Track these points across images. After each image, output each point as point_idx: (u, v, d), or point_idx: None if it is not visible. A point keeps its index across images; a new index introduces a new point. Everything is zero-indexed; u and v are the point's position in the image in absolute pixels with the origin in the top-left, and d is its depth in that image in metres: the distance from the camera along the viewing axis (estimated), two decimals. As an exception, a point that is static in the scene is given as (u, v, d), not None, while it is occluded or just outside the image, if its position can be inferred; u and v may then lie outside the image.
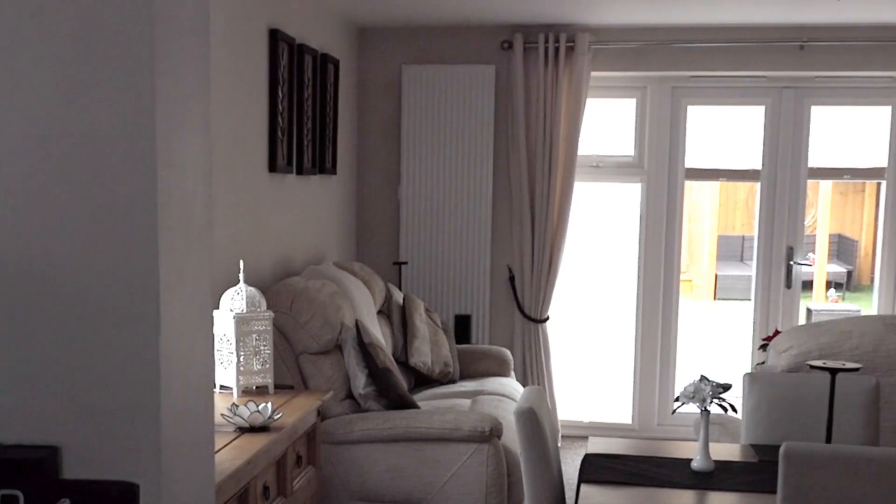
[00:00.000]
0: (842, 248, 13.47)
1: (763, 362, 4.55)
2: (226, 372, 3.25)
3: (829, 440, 3.13)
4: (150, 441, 1.60)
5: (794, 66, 5.53)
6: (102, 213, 1.56)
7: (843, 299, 11.53)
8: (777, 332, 4.82)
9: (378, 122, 5.84)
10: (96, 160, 1.56)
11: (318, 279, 4.23)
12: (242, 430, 2.75)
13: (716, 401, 2.99)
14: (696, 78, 5.77)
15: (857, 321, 4.33)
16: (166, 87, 1.59)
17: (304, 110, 4.67)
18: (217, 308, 3.25)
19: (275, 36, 4.22)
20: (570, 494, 3.56)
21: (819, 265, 10.65)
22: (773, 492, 2.62)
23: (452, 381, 4.87)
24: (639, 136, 5.90)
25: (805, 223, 6.02)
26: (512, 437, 3.73)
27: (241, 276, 3.32)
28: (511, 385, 4.91)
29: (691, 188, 11.62)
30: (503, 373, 5.13)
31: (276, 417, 2.83)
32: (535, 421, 2.95)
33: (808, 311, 8.61)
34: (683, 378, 5.28)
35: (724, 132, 6.34)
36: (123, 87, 1.54)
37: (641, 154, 5.90)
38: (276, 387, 3.36)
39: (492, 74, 5.64)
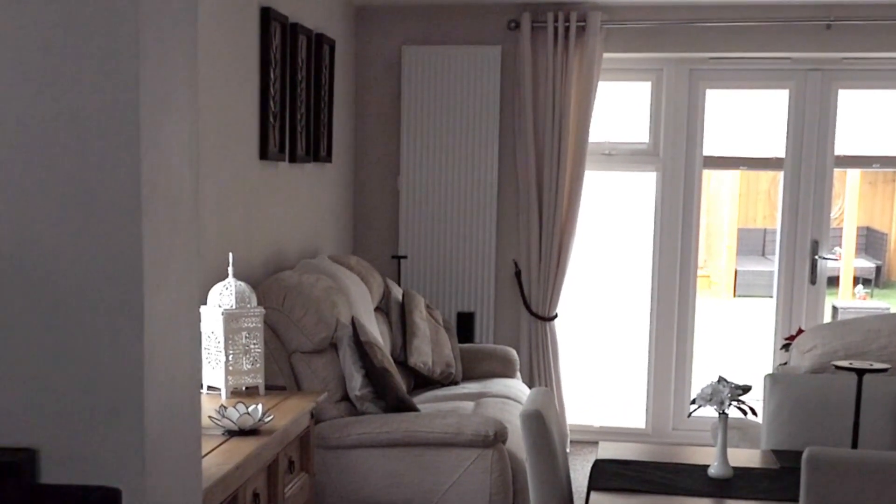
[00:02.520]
0: (870, 241, 13.46)
1: (785, 363, 4.55)
2: (214, 372, 3.26)
3: (855, 445, 3.13)
4: (133, 444, 1.60)
5: (821, 46, 5.52)
6: (82, 200, 1.56)
7: (872, 296, 11.53)
8: (800, 331, 4.82)
9: (376, 107, 5.84)
10: (77, 143, 1.56)
11: (312, 274, 4.24)
12: (231, 434, 2.76)
13: (735, 403, 2.99)
14: (715, 60, 5.76)
15: (886, 319, 4.33)
16: (151, 67, 1.59)
17: (298, 94, 4.67)
18: (204, 304, 3.25)
19: (267, 14, 4.22)
20: (578, 503, 3.57)
21: (846, 260, 10.65)
22: (795, 500, 2.62)
23: (454, 383, 4.87)
24: (654, 121, 5.90)
25: (831, 215, 6.02)
26: (517, 441, 3.74)
27: (230, 269, 3.33)
28: (517, 387, 4.92)
29: (710, 178, 11.61)
30: (508, 374, 5.13)
31: (266, 420, 2.83)
32: (543, 424, 2.95)
33: (834, 308, 8.62)
34: (700, 380, 5.29)
35: (745, 118, 6.34)
36: (106, 67, 1.55)
37: (657, 141, 5.90)
38: (267, 388, 3.37)
39: (498, 56, 5.64)
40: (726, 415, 3.02)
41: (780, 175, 5.94)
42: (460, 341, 5.44)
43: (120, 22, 1.54)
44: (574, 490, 3.34)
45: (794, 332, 5.10)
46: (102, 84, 1.55)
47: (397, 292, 5.08)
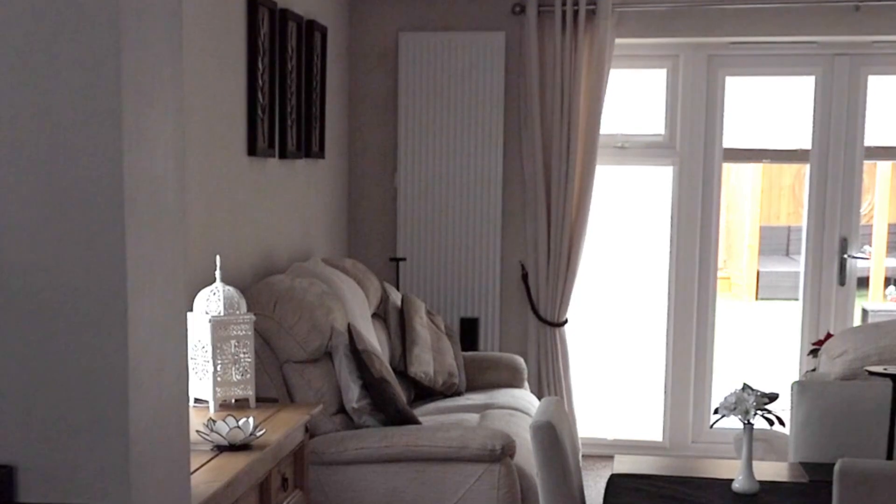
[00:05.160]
0: (903, 239, 13.45)
1: (814, 369, 4.55)
2: (201, 383, 3.26)
3: (890, 456, 3.13)
4: (118, 460, 1.60)
5: (849, 29, 5.52)
6: (62, 202, 1.56)
7: (905, 298, 11.51)
8: (829, 336, 4.83)
9: (372, 99, 5.84)
10: (55, 140, 1.56)
11: (305, 278, 4.24)
12: (220, 449, 2.76)
13: (760, 413, 2.99)
14: (735, 45, 5.76)
15: (921, 322, 4.33)
16: (133, 57, 1.59)
17: (288, 85, 4.67)
18: (191, 310, 3.25)
19: (254, 0, 4.23)
20: (593, 521, 3.57)
21: (877, 259, 10.64)
22: (827, 516, 2.63)
23: (458, 394, 4.87)
24: (670, 112, 5.90)
25: (861, 211, 6.02)
26: (527, 456, 3.74)
27: (217, 273, 3.33)
28: (525, 398, 4.92)
29: (730, 172, 11.62)
30: (516, 384, 5.13)
31: (258, 434, 2.84)
32: (554, 437, 2.96)
33: (865, 311, 8.60)
34: (722, 388, 5.29)
35: (768, 107, 6.34)
36: (85, 58, 1.55)
37: (673, 133, 5.90)
38: (259, 400, 3.37)
39: (501, 43, 5.64)
40: (751, 425, 3.02)
41: (806, 168, 5.94)
42: (464, 349, 5.44)
43: (99, 8, 1.54)
44: (588, 507, 3.35)
45: (822, 337, 5.10)
46: (81, 75, 1.55)
47: (396, 297, 5.08)
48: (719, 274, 6.22)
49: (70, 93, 1.56)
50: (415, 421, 4.00)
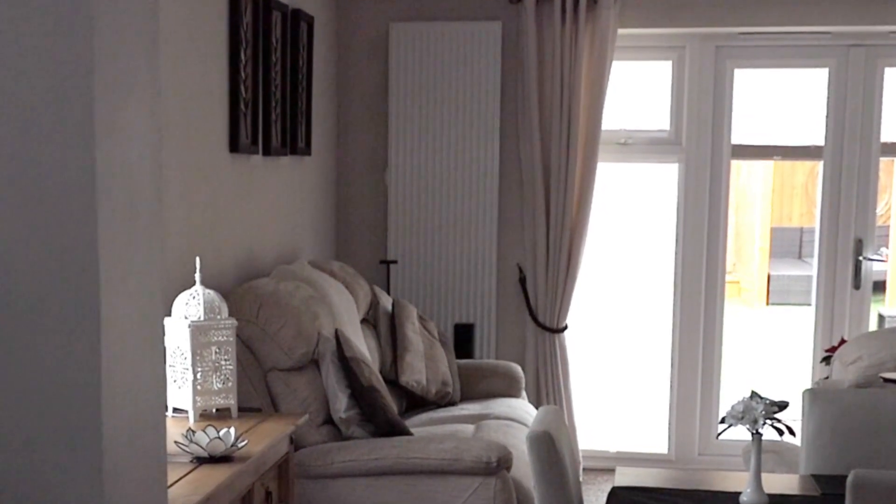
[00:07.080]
0: (921, 241, 13.48)
1: (826, 377, 4.56)
2: (180, 392, 3.26)
3: (906, 469, 3.14)
4: (91, 473, 1.60)
5: (865, 19, 5.53)
6: (29, 195, 1.56)
7: (923, 302, 11.54)
8: (843, 342, 4.84)
9: (361, 93, 5.85)
10: (21, 128, 1.56)
11: (291, 281, 4.24)
12: (200, 461, 2.76)
13: (769, 422, 3.00)
14: (745, 35, 5.77)
15: (940, 327, 4.34)
16: (107, 45, 1.59)
17: (272, 78, 4.67)
18: (169, 315, 3.25)
19: (236, -12, 4.23)
20: (595, 538, 3.58)
21: (893, 261, 10.67)
22: (840, 531, 2.63)
23: (452, 404, 4.88)
24: (676, 106, 5.91)
25: (877, 211, 6.03)
26: (524, 468, 3.74)
27: (197, 276, 3.33)
28: (522, 407, 4.93)
29: (739, 169, 11.63)
30: (512, 393, 5.14)
31: (240, 446, 2.84)
32: (553, 448, 2.96)
33: (881, 316, 8.62)
34: (729, 399, 5.30)
35: (780, 101, 6.35)
36: (56, 42, 1.54)
37: (679, 128, 5.91)
38: (241, 409, 3.37)
39: (498, 33, 5.65)
40: (760, 435, 3.02)
41: (819, 166, 5.95)
42: (458, 356, 5.44)
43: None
44: (589, 523, 3.35)
45: (835, 343, 5.12)
46: (51, 64, 1.55)
47: (386, 302, 5.08)
48: (728, 278, 6.23)
49: (41, 80, 1.55)
50: (406, 432, 4.00)
